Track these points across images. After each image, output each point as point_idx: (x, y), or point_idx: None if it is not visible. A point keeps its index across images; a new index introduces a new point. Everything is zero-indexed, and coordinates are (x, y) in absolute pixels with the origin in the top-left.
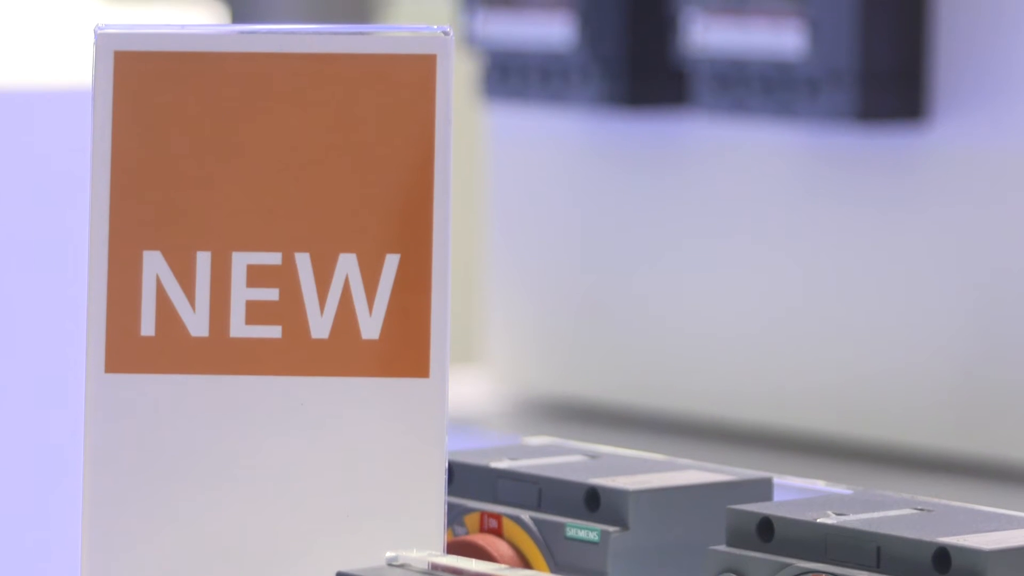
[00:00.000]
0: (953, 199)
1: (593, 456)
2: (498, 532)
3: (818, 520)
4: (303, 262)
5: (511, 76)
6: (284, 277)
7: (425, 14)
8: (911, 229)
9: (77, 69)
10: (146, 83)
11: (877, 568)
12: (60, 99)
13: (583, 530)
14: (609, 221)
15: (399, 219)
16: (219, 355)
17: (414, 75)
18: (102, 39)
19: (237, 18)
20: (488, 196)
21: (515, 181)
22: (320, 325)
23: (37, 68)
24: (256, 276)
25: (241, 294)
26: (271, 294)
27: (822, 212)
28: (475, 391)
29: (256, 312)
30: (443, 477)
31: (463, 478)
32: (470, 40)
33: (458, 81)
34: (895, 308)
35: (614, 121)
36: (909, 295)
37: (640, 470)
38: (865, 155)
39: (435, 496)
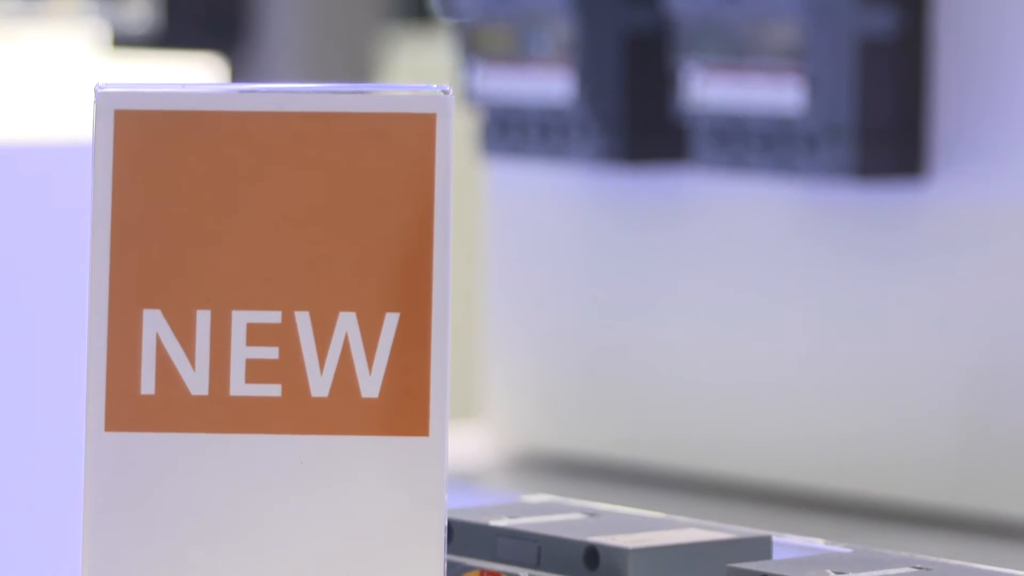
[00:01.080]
0: (953, 254)
1: (592, 514)
2: None
3: None
4: (303, 320)
5: (510, 132)
6: (284, 335)
7: (425, 69)
8: (911, 284)
9: (76, 124)
10: (146, 142)
11: None
12: (60, 154)
13: None
14: (609, 276)
15: (399, 278)
16: (219, 413)
17: (414, 134)
18: (102, 98)
19: (236, 73)
20: (488, 252)
21: (515, 236)
22: (320, 383)
23: (35, 122)
24: (256, 334)
25: (241, 352)
26: (271, 352)
27: (822, 267)
28: (475, 447)
29: (256, 370)
30: (442, 536)
31: (462, 536)
32: (470, 96)
33: (458, 136)
34: (895, 363)
35: (614, 177)
36: (909, 350)
37: (639, 528)
38: (864, 210)
39: (434, 555)
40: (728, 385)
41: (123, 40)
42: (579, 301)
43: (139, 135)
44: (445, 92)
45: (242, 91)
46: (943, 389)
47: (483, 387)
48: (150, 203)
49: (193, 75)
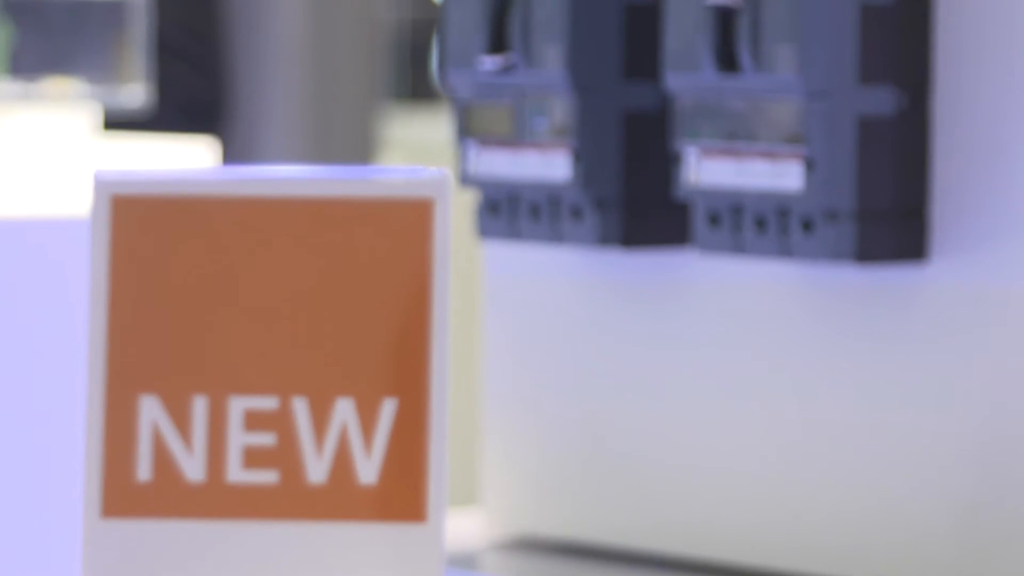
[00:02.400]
0: (953, 338)
1: None
2: None
3: None
4: (300, 406)
5: (507, 213)
6: (281, 422)
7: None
8: (911, 367)
9: (70, 201)
10: (143, 228)
11: None
12: (51, 230)
13: None
14: (607, 359)
15: (396, 363)
16: (215, 500)
17: (411, 219)
18: (100, 184)
19: (229, 153)
20: (486, 334)
21: (513, 319)
22: (317, 470)
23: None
24: (253, 420)
25: (238, 438)
26: (268, 438)
27: (823, 350)
28: (473, 532)
29: (253, 456)
30: None
31: None
32: (465, 177)
33: (458, 216)
34: (896, 447)
35: (612, 259)
36: (909, 435)
37: None
38: (864, 293)
39: None
40: (727, 468)
41: (116, 123)
42: (578, 385)
43: (136, 221)
44: (442, 176)
45: (238, 177)
46: (943, 473)
47: (482, 472)
48: (147, 288)
49: (186, 157)
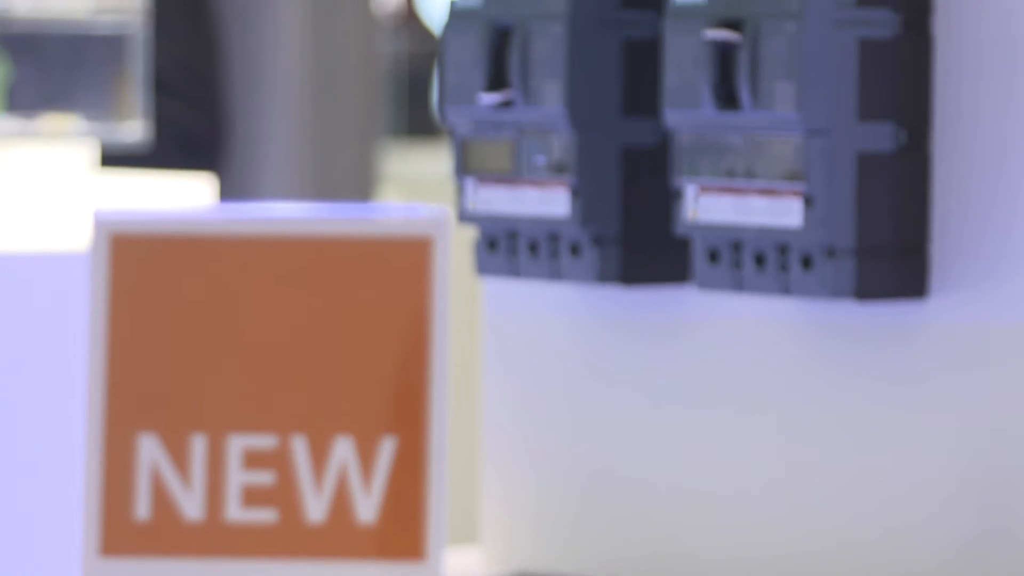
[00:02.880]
0: (952, 375)
1: None
2: None
3: None
4: (299, 444)
5: (505, 250)
6: (280, 460)
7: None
8: (910, 404)
9: (68, 237)
10: (142, 266)
11: None
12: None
13: None
14: (606, 396)
15: (396, 400)
16: (214, 538)
17: (410, 258)
18: (100, 223)
19: (227, 189)
20: (484, 372)
21: (511, 356)
22: (316, 508)
23: (24, 236)
24: (252, 459)
25: (237, 477)
26: (267, 477)
27: (822, 387)
28: (472, 569)
29: (252, 495)
30: None
31: None
32: (464, 214)
33: (457, 252)
34: (896, 483)
35: (610, 295)
36: (910, 471)
37: None
38: (864, 330)
39: None
40: (725, 505)
41: (114, 159)
42: (576, 422)
43: (136, 260)
44: (440, 215)
45: (237, 217)
46: (943, 508)
47: (481, 509)
48: (146, 327)
49: (185, 194)
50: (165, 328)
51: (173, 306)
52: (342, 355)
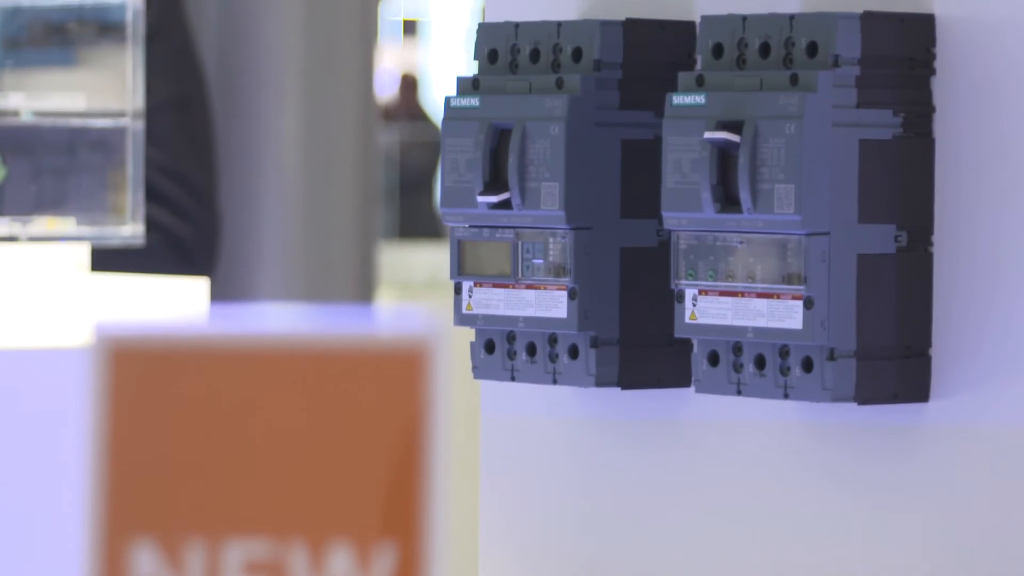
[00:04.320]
0: (955, 479)
1: None
2: None
3: None
4: (297, 549)
5: (502, 353)
6: (278, 565)
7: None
8: (911, 509)
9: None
10: (140, 375)
11: None
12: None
13: None
14: (605, 499)
15: (394, 505)
16: None
17: (405, 366)
18: (100, 335)
19: (217, 291)
20: (481, 473)
21: (508, 459)
22: None
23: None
24: (249, 563)
25: None
26: None
27: (823, 490)
28: None
29: None
30: None
31: None
32: (460, 317)
33: (455, 354)
34: None
35: (609, 397)
36: (911, 574)
37: None
38: (864, 433)
39: None
40: None
41: (106, 262)
42: (574, 525)
43: (133, 369)
44: (436, 322)
45: (234, 328)
46: None
47: None
48: (144, 433)
49: (178, 297)
50: (162, 435)
51: (171, 414)
52: (340, 460)
